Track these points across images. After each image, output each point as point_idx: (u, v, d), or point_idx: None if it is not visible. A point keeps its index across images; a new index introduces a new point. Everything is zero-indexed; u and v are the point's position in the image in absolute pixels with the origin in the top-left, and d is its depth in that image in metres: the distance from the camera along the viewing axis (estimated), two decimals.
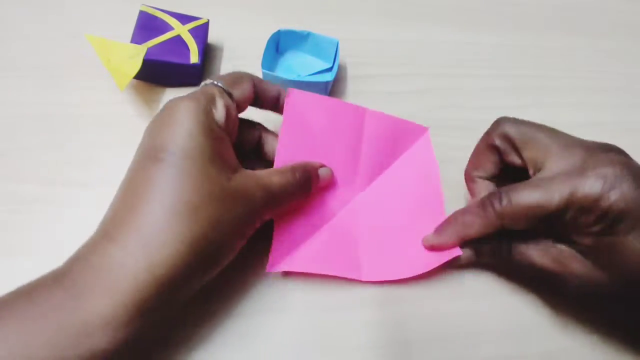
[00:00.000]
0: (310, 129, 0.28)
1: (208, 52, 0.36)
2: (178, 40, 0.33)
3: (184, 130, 0.22)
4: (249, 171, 0.25)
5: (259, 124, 0.30)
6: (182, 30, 0.33)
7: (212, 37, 0.37)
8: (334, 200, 0.30)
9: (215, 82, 0.25)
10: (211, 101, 0.24)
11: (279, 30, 0.34)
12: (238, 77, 0.27)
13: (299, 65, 0.36)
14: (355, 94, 0.36)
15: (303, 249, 0.28)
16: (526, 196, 0.25)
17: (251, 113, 0.29)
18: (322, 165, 0.29)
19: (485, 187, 0.29)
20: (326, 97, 0.31)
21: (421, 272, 0.29)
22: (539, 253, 0.26)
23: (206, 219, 0.21)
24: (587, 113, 0.38)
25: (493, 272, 0.30)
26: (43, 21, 0.36)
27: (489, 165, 0.29)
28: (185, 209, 0.21)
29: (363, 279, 0.28)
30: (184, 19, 0.34)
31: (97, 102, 0.33)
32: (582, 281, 0.25)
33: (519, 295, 0.30)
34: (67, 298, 0.19)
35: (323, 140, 0.29)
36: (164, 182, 0.21)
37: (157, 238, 0.20)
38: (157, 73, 0.33)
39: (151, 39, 0.32)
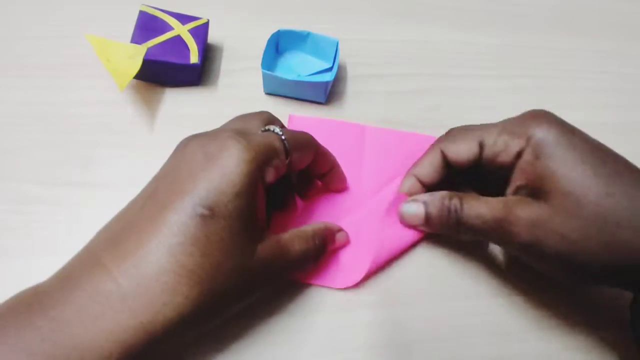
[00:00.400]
0: None
1: (208, 52, 0.36)
2: (178, 40, 0.33)
3: (231, 189, 0.20)
4: (272, 238, 0.23)
5: None
6: (182, 30, 0.33)
7: (212, 37, 0.37)
8: (339, 216, 0.30)
9: (282, 136, 0.23)
10: (269, 159, 0.22)
11: (278, 30, 0.34)
12: (305, 142, 0.25)
13: (299, 65, 0.36)
14: (355, 94, 0.36)
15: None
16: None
17: None
18: (340, 229, 0.29)
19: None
20: (326, 119, 0.33)
21: (407, 246, 0.30)
22: (487, 206, 0.25)
23: (221, 289, 0.20)
24: (587, 113, 0.38)
25: (492, 273, 0.30)
26: (43, 21, 0.36)
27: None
28: (202, 277, 0.19)
29: (355, 285, 0.29)
30: (184, 19, 0.34)
31: (97, 102, 0.33)
32: (530, 223, 0.24)
33: (518, 295, 0.30)
34: (48, 329, 0.18)
35: None
36: (191, 239, 0.19)
37: (159, 294, 0.19)
38: (157, 73, 0.33)
39: (151, 39, 0.32)
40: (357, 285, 0.28)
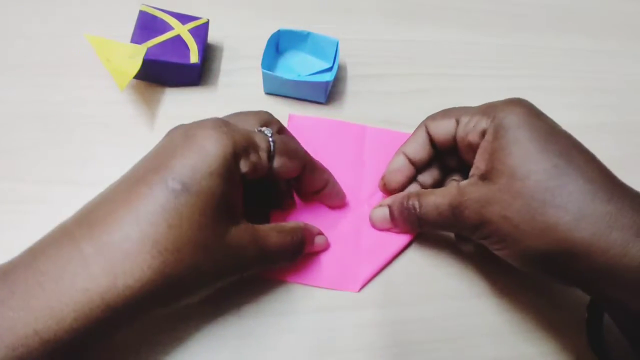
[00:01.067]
0: (312, 151, 0.28)
1: (208, 52, 0.36)
2: (178, 40, 0.33)
3: (206, 167, 0.20)
4: (249, 226, 0.23)
5: None
6: (182, 30, 0.33)
7: (212, 37, 0.37)
8: (340, 216, 0.31)
9: (271, 139, 0.24)
10: (247, 150, 0.22)
11: (278, 30, 0.34)
12: (293, 150, 0.25)
13: (299, 65, 0.36)
14: (355, 94, 0.36)
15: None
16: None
17: None
18: (320, 233, 0.29)
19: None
20: (326, 119, 0.33)
21: (406, 243, 0.30)
22: (440, 196, 0.26)
23: (186, 263, 0.20)
24: (587, 113, 0.38)
25: (493, 273, 0.30)
26: (43, 21, 0.36)
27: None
28: (168, 248, 0.19)
29: (357, 290, 0.29)
30: (184, 18, 0.34)
31: (96, 102, 0.33)
32: (477, 202, 0.24)
33: (518, 295, 0.30)
34: (8, 292, 0.18)
35: (326, 160, 0.29)
36: (160, 210, 0.19)
37: (120, 261, 0.19)
38: (157, 73, 0.33)
39: (151, 38, 0.32)
40: (359, 289, 0.29)
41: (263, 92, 0.35)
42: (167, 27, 0.33)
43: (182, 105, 0.34)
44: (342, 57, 0.37)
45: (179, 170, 0.20)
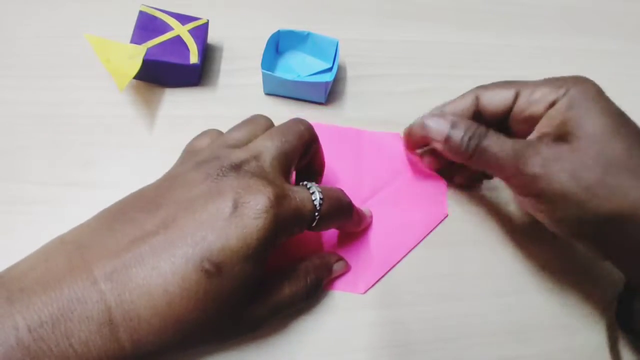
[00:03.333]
0: None
1: (208, 52, 0.36)
2: (178, 40, 0.33)
3: (245, 251, 0.20)
4: (266, 293, 0.23)
5: None
6: (181, 30, 0.33)
7: (212, 38, 0.36)
8: None
9: (317, 207, 0.23)
10: (292, 227, 0.22)
11: (278, 31, 0.34)
12: (338, 211, 0.25)
13: (299, 65, 0.36)
14: (354, 94, 0.36)
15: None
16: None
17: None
18: (339, 259, 0.28)
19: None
20: (324, 125, 0.33)
21: (416, 243, 0.30)
22: (509, 140, 0.25)
23: (201, 339, 0.21)
24: None
25: (493, 273, 0.30)
26: (43, 21, 0.36)
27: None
28: (189, 328, 0.20)
29: (362, 292, 0.29)
30: (183, 19, 0.34)
31: (96, 102, 0.33)
32: (546, 157, 0.24)
33: (519, 295, 0.30)
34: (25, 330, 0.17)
35: (326, 165, 0.30)
36: (192, 291, 0.19)
37: (149, 333, 0.19)
38: (156, 73, 0.33)
39: (151, 39, 0.32)
40: (365, 292, 0.29)
41: (263, 93, 0.35)
42: (166, 28, 0.33)
43: (181, 106, 0.34)
44: (342, 57, 0.37)
45: (217, 251, 0.19)
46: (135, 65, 0.31)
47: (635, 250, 0.23)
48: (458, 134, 0.26)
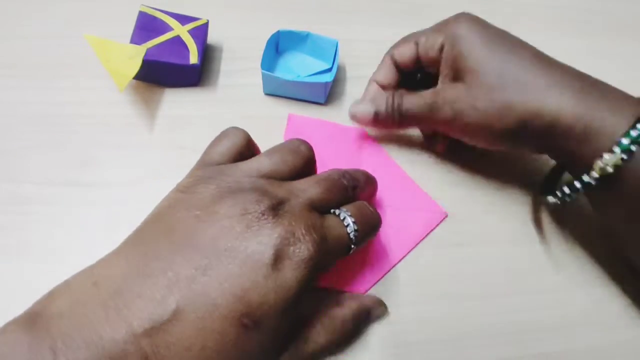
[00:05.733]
0: None
1: (207, 52, 0.36)
2: (177, 40, 0.33)
3: (281, 304, 0.19)
4: (300, 347, 0.22)
5: None
6: (181, 30, 0.33)
7: (212, 38, 0.37)
8: None
9: (352, 239, 0.23)
10: (328, 265, 0.22)
11: (278, 31, 0.34)
12: (369, 234, 0.25)
13: (299, 65, 0.36)
14: (354, 94, 0.36)
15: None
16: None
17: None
18: (380, 303, 0.28)
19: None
20: (325, 122, 0.34)
21: (416, 243, 0.30)
22: (421, 96, 0.30)
23: None
24: None
25: (493, 273, 0.30)
26: (43, 21, 0.36)
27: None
28: None
29: (363, 292, 0.29)
30: (183, 19, 0.34)
31: (96, 102, 0.33)
32: (451, 101, 0.28)
33: (518, 296, 0.30)
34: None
35: (324, 161, 0.30)
36: (229, 347, 0.19)
37: None
38: (156, 74, 0.33)
39: (150, 39, 0.32)
40: (365, 292, 0.29)
41: (263, 93, 0.35)
42: (166, 28, 0.33)
43: (181, 106, 0.34)
44: (341, 57, 0.37)
45: (256, 309, 0.19)
46: (135, 66, 0.31)
47: (544, 142, 0.26)
48: (381, 109, 0.31)
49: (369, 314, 0.27)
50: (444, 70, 0.30)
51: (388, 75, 0.33)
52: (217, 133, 0.31)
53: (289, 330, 0.21)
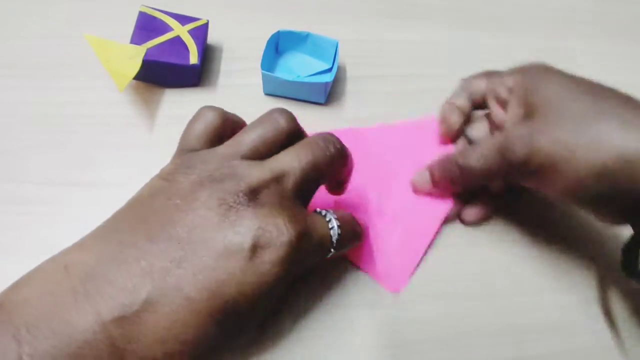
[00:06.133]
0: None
1: (207, 52, 0.36)
2: (177, 41, 0.33)
3: (259, 290, 0.19)
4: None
5: None
6: (181, 31, 0.33)
7: (212, 38, 0.37)
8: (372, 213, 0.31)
9: (334, 243, 0.23)
10: (309, 260, 0.22)
11: (278, 31, 0.34)
12: (353, 239, 0.25)
13: (299, 66, 0.36)
14: (354, 94, 0.36)
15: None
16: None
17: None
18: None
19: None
20: (342, 130, 0.33)
21: (431, 237, 0.30)
22: (484, 144, 0.27)
23: None
24: None
25: (493, 273, 0.30)
26: (43, 21, 0.36)
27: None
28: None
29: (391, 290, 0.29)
30: (183, 19, 0.34)
31: (96, 102, 0.33)
32: (526, 137, 0.25)
33: (518, 296, 0.30)
34: None
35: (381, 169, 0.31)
36: (200, 334, 0.18)
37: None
38: (156, 74, 0.33)
39: (150, 39, 0.32)
40: (398, 290, 0.29)
41: (263, 93, 0.35)
42: (166, 28, 0.33)
43: (181, 106, 0.34)
44: (341, 57, 0.37)
45: (232, 303, 0.19)
46: (135, 66, 0.31)
47: (634, 200, 0.23)
48: (439, 173, 0.29)
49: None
50: (514, 109, 0.27)
51: (462, 101, 0.31)
52: None
53: (266, 313, 0.21)
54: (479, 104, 0.31)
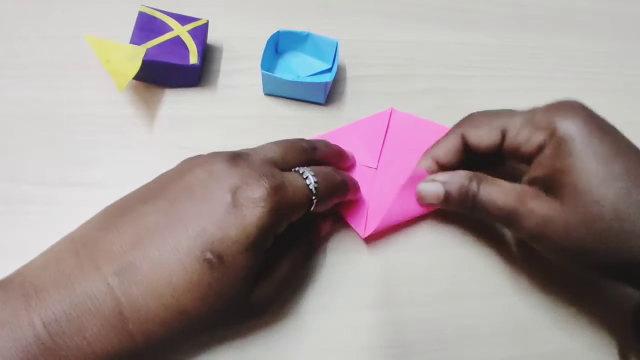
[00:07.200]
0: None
1: (207, 53, 0.36)
2: (177, 41, 0.33)
3: (244, 241, 0.20)
4: (271, 281, 0.24)
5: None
6: (181, 31, 0.33)
7: (212, 38, 0.37)
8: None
9: (313, 191, 0.24)
10: (291, 214, 0.23)
11: (278, 31, 0.34)
12: (334, 190, 0.26)
13: (298, 66, 0.36)
14: (354, 94, 0.36)
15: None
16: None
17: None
18: (324, 219, 0.29)
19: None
20: (425, 120, 0.35)
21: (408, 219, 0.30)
22: (502, 193, 0.25)
23: (205, 329, 0.22)
24: None
25: (493, 273, 0.30)
26: (43, 21, 0.36)
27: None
28: (192, 317, 0.20)
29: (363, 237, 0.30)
30: (183, 19, 0.34)
31: (96, 102, 0.33)
32: (539, 218, 0.24)
33: (518, 296, 0.30)
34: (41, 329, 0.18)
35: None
36: (195, 282, 0.20)
37: (159, 326, 0.20)
38: (156, 74, 0.33)
39: (150, 39, 0.32)
40: (368, 239, 0.30)
41: (262, 93, 0.35)
42: (166, 28, 0.33)
43: (181, 107, 0.34)
44: (341, 58, 0.37)
45: (218, 242, 0.20)
46: (135, 66, 0.31)
47: None
48: (454, 193, 0.27)
49: (319, 227, 0.28)
50: (536, 173, 0.25)
51: (450, 154, 0.29)
52: (217, 133, 0.31)
53: (258, 270, 0.22)
54: (483, 153, 0.28)
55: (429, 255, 0.30)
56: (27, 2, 0.37)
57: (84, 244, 0.20)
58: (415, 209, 0.30)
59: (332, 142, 0.32)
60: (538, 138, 0.25)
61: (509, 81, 0.39)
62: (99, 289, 0.19)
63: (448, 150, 0.29)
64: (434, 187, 0.28)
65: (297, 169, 0.25)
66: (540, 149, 0.25)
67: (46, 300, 0.18)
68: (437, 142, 0.30)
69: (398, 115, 0.35)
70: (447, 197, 0.28)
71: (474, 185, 0.26)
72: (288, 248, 0.25)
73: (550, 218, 0.23)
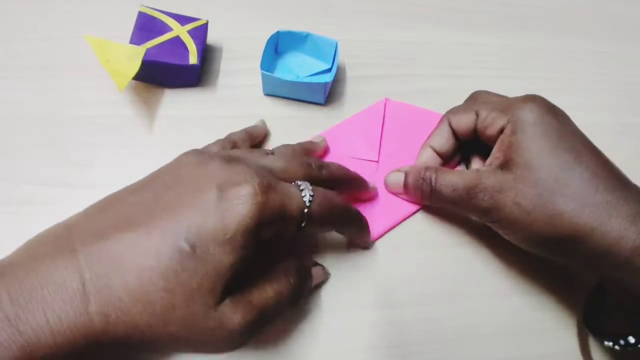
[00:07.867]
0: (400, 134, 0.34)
1: (207, 53, 0.36)
2: (177, 41, 0.33)
3: (222, 235, 0.19)
4: (243, 295, 0.21)
5: None
6: (181, 31, 0.33)
7: (211, 38, 0.37)
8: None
9: (306, 206, 0.22)
10: (276, 222, 0.21)
11: (278, 31, 0.34)
12: (328, 215, 0.23)
13: (298, 66, 0.36)
14: (354, 95, 0.36)
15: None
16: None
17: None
18: (316, 264, 0.28)
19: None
20: (420, 109, 0.36)
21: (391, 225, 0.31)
22: (459, 177, 0.28)
23: (168, 335, 0.20)
24: (586, 114, 0.38)
25: (493, 274, 0.30)
26: (42, 22, 0.36)
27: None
28: (156, 312, 0.19)
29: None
30: (183, 19, 0.34)
31: (96, 103, 0.33)
32: (494, 191, 0.26)
33: (518, 296, 0.30)
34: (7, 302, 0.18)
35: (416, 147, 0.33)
36: (162, 269, 0.19)
37: (120, 308, 0.19)
38: (156, 74, 0.33)
39: (150, 39, 0.32)
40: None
41: (262, 93, 0.35)
42: (166, 28, 0.33)
43: (181, 107, 0.34)
44: (341, 58, 0.37)
45: (195, 231, 0.19)
46: (135, 66, 0.31)
47: (593, 263, 0.24)
48: (412, 183, 0.30)
49: (309, 271, 0.26)
50: (496, 153, 0.27)
51: (443, 141, 0.31)
52: (217, 133, 0.31)
53: (231, 272, 0.20)
54: (466, 137, 0.30)
55: (429, 255, 0.30)
56: (28, 3, 0.37)
57: (67, 227, 0.21)
58: (408, 207, 0.32)
59: (330, 139, 0.33)
60: (500, 121, 0.27)
61: (509, 81, 0.39)
62: (67, 267, 0.19)
63: (442, 138, 0.31)
64: (396, 176, 0.31)
65: (297, 182, 0.23)
66: (501, 131, 0.27)
67: (15, 274, 0.19)
68: (431, 133, 0.32)
69: (393, 104, 0.35)
70: (405, 185, 0.31)
71: (428, 175, 0.29)
72: (276, 276, 0.23)
73: (502, 188, 0.26)
